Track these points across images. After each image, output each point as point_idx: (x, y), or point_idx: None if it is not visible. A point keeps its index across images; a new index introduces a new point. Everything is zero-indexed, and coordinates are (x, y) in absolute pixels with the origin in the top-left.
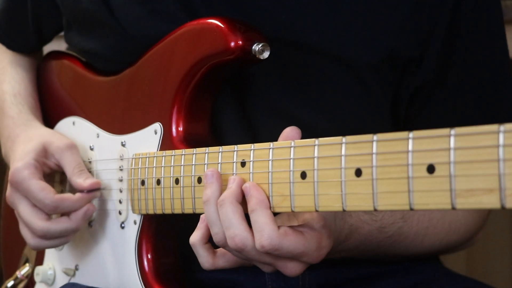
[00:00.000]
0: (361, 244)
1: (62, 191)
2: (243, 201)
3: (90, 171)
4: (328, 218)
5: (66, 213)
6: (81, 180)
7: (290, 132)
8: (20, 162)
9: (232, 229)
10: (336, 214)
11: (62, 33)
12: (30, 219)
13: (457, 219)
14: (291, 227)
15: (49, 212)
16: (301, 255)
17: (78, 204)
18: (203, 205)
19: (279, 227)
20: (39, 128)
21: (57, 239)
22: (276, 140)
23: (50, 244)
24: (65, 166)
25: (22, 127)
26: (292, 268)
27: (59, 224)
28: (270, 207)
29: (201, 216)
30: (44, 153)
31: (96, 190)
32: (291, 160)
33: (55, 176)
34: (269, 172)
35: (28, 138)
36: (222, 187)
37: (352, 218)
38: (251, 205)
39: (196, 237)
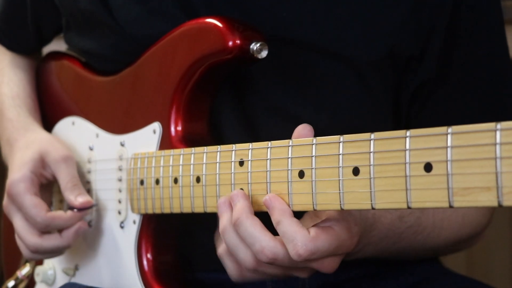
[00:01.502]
0: (385, 236)
1: (61, 201)
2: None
3: (89, 171)
4: None
5: (58, 230)
6: (73, 198)
7: (302, 130)
8: (17, 174)
9: (258, 243)
10: None
11: (62, 34)
12: (23, 234)
13: (470, 213)
14: (318, 226)
15: (40, 229)
16: (337, 249)
17: (70, 222)
18: (222, 235)
19: (308, 230)
20: (38, 132)
21: (50, 253)
22: (275, 139)
23: (44, 257)
24: (59, 179)
25: (21, 131)
26: (329, 265)
27: (50, 242)
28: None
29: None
30: (41, 163)
31: (88, 209)
32: (289, 159)
33: (54, 185)
34: (267, 171)
35: (26, 145)
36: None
37: None
38: (275, 217)
39: (223, 249)
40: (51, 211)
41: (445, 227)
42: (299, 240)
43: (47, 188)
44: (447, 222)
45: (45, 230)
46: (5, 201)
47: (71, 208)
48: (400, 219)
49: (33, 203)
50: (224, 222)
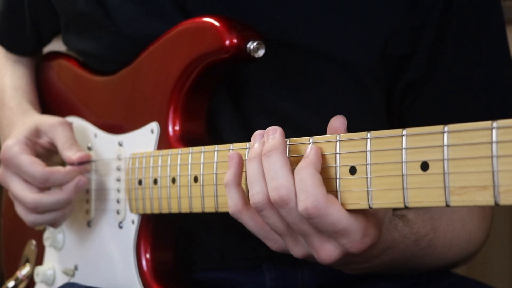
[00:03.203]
0: (396, 259)
1: None
2: None
3: (88, 171)
4: (379, 212)
5: (58, 186)
6: (71, 154)
7: (335, 121)
8: (11, 140)
9: (279, 179)
10: (388, 218)
11: (61, 34)
12: (21, 194)
13: (475, 230)
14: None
15: (40, 185)
16: (343, 233)
17: (69, 176)
18: (247, 162)
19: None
20: (37, 115)
21: (51, 212)
22: None
23: (45, 218)
24: (57, 141)
25: (20, 116)
26: (328, 251)
27: (51, 196)
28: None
29: (229, 154)
30: (36, 132)
31: (86, 163)
32: None
33: (53, 157)
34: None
35: (23, 123)
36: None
37: (396, 231)
38: (302, 163)
39: (229, 176)
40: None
41: (453, 246)
42: (312, 193)
43: (44, 159)
44: (455, 242)
45: (44, 185)
46: (0, 170)
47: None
48: (415, 243)
49: (30, 160)
50: (254, 150)
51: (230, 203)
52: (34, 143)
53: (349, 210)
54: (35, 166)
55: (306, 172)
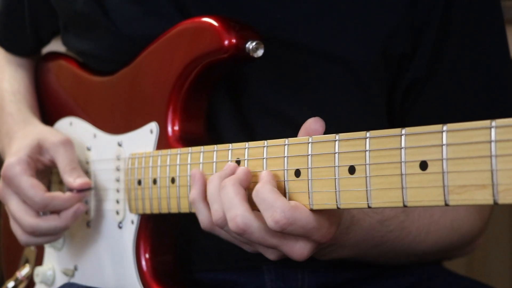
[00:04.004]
0: (364, 239)
1: (59, 188)
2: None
3: (87, 171)
4: None
5: (56, 211)
6: (72, 179)
7: (313, 124)
8: (13, 157)
9: (234, 209)
10: None
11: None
12: (19, 215)
13: (459, 218)
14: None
15: (39, 210)
16: (313, 231)
17: (69, 203)
18: (207, 182)
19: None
20: (37, 125)
21: (47, 236)
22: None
23: (40, 240)
24: (58, 162)
25: (21, 124)
26: (299, 250)
27: (48, 222)
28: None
29: (191, 173)
30: (38, 149)
31: (86, 190)
32: (285, 158)
33: (53, 176)
34: (263, 170)
35: (25, 135)
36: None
37: (354, 210)
38: (257, 185)
39: (195, 193)
40: (49, 192)
41: (432, 231)
42: (278, 206)
43: (44, 174)
44: (434, 227)
45: (43, 210)
46: (0, 185)
47: (70, 190)
48: (381, 223)
49: (30, 183)
50: (216, 176)
51: (200, 218)
52: (36, 160)
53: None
54: (35, 191)
55: (265, 190)
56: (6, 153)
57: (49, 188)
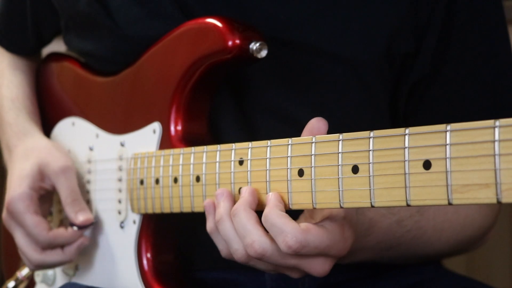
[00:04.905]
0: (382, 241)
1: (60, 211)
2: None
3: (89, 171)
4: (348, 211)
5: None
6: (73, 215)
7: (316, 123)
8: (17, 191)
9: (249, 236)
10: (357, 208)
11: (61, 35)
12: (25, 250)
13: (471, 213)
14: (309, 223)
15: (43, 247)
16: (328, 249)
17: (72, 239)
18: (218, 225)
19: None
20: (36, 139)
21: (53, 267)
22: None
23: (45, 270)
24: (60, 192)
25: (20, 136)
26: (319, 266)
27: (53, 257)
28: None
29: (204, 204)
30: (40, 176)
31: (88, 226)
32: (289, 157)
33: (54, 205)
34: (266, 170)
35: (25, 153)
36: (233, 203)
37: (371, 211)
38: (265, 211)
39: (211, 226)
40: (52, 230)
41: (446, 229)
42: (289, 231)
43: (47, 197)
44: (448, 224)
45: (47, 247)
46: (5, 215)
47: (71, 224)
48: (398, 223)
49: (34, 222)
50: (221, 211)
51: (220, 248)
52: (38, 189)
53: (322, 224)
54: (39, 230)
55: (273, 215)
56: (8, 168)
57: (50, 207)
